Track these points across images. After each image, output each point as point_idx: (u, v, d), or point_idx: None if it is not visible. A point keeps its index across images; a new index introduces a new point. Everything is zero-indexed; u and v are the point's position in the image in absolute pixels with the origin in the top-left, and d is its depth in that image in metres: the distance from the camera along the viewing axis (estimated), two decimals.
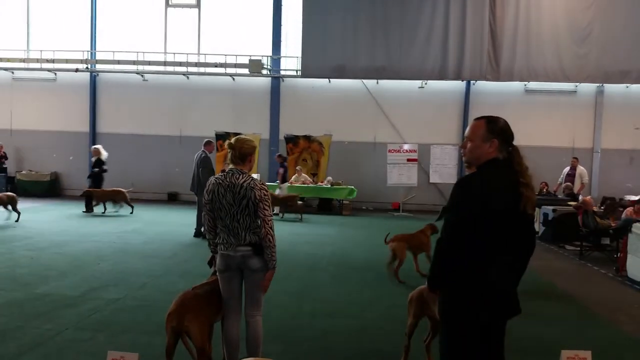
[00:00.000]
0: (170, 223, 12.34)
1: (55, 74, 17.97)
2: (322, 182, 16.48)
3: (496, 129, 2.76)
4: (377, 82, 17.03)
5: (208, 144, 10.58)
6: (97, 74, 18.01)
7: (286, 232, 11.16)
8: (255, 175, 3.86)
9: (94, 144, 17.98)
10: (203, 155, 10.32)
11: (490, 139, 2.74)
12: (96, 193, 13.40)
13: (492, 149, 2.74)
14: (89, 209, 13.52)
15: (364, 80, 17.02)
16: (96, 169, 13.96)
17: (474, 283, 2.66)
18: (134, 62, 17.31)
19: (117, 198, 13.52)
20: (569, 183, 13.64)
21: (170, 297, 3.73)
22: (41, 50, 17.57)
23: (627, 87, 16.29)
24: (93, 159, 14.21)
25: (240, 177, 3.70)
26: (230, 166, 3.81)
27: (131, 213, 13.35)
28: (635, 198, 11.33)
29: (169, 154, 17.76)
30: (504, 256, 2.69)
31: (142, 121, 17.87)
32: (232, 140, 3.85)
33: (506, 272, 2.70)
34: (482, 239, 2.63)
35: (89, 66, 17.70)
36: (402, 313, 4.38)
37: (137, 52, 17.25)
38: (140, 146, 17.86)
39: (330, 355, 4.60)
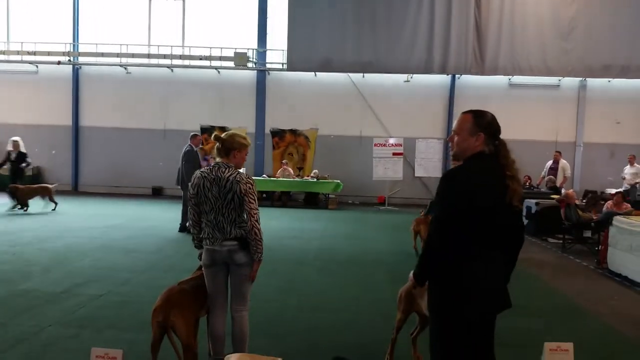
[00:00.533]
0: (155, 218, 12.25)
1: (37, 66, 17.68)
2: (308, 176, 16.49)
3: (483, 123, 2.78)
4: (363, 76, 17.04)
5: (194, 137, 10.45)
6: (80, 67, 17.76)
7: (272, 226, 11.14)
8: (241, 170, 3.83)
9: (77, 138, 17.84)
10: (188, 149, 10.21)
11: (476, 132, 2.76)
12: (21, 189, 12.56)
13: (478, 142, 2.75)
14: (17, 206, 12.43)
15: (350, 74, 17.01)
16: (23, 164, 13.33)
17: (460, 278, 2.67)
18: (117, 55, 17.10)
19: (43, 194, 12.88)
20: (551, 176, 13.80)
21: (154, 292, 3.71)
22: (22, 42, 17.27)
23: (609, 81, 16.50)
24: (13, 154, 13.26)
25: (227, 170, 3.69)
26: (217, 159, 3.80)
27: (53, 210, 12.69)
28: (615, 191, 11.50)
29: (153, 148, 17.60)
30: (491, 251, 2.70)
31: (126, 115, 17.68)
32: (224, 134, 3.84)
33: (493, 267, 2.72)
34: (467, 234, 2.64)
35: (72, 59, 17.44)
36: (388, 306, 4.41)
37: (121, 45, 17.04)
38: (124, 140, 17.69)
39: (316, 350, 4.61)
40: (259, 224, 3.68)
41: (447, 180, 2.74)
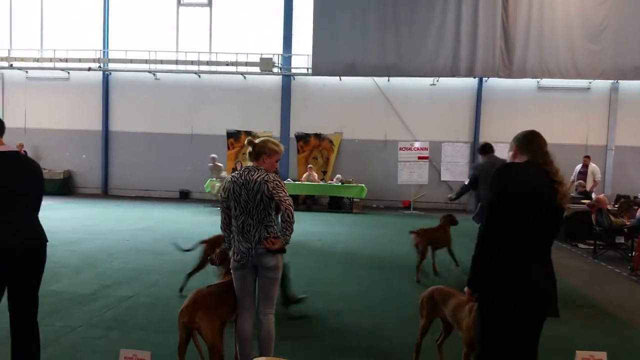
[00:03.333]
0: (183, 221, 12.40)
1: (69, 73, 18.13)
2: (331, 180, 16.48)
3: (515, 137, 3.01)
4: (388, 80, 16.96)
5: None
6: (110, 73, 18.15)
7: (296, 229, 11.11)
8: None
9: (107, 143, 18.22)
10: None
11: (511, 146, 3.02)
12: None
13: (511, 152, 2.99)
14: None
15: (375, 78, 16.95)
16: None
17: (521, 276, 2.71)
18: (146, 61, 17.40)
19: None
20: (581, 181, 13.49)
21: (183, 295, 3.75)
22: (54, 50, 17.74)
23: None
24: None
25: (256, 173, 3.72)
26: (248, 163, 3.85)
27: None
28: None
29: (181, 152, 17.86)
30: (544, 250, 2.82)
31: (154, 120, 17.99)
32: (258, 139, 3.90)
33: (548, 268, 2.84)
34: (522, 230, 2.71)
35: (102, 65, 17.85)
36: (413, 311, 4.36)
37: (149, 51, 17.35)
38: (152, 144, 17.99)
39: (341, 354, 4.59)
40: (292, 209, 3.66)
41: (505, 172, 2.85)
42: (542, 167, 2.84)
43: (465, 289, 2.93)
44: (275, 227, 3.76)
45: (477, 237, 2.80)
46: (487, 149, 7.30)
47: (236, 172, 3.86)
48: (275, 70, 17.19)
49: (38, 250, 3.47)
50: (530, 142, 2.92)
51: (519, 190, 2.73)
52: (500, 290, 2.75)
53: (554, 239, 2.94)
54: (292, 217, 3.66)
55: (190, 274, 6.10)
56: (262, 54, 16.82)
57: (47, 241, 3.58)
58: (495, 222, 2.73)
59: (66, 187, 17.92)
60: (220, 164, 15.69)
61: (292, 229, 3.70)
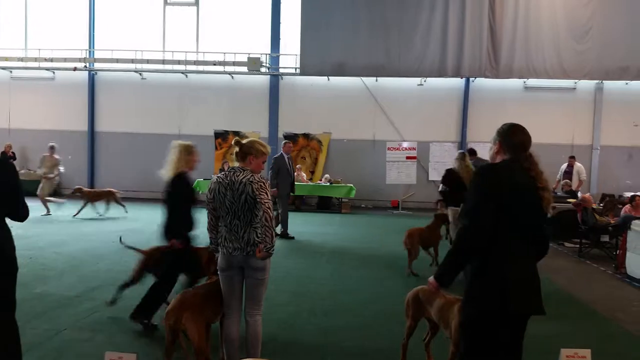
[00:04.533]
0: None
1: (54, 72, 17.93)
2: (320, 180, 16.48)
3: (499, 131, 2.94)
4: (376, 80, 17.00)
5: (284, 144, 10.90)
6: (96, 73, 17.98)
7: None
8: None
9: (93, 143, 18.05)
10: (277, 155, 10.67)
11: (495, 140, 2.95)
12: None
13: (495, 148, 2.93)
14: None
15: (363, 78, 16.98)
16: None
17: (505, 275, 2.71)
18: (132, 61, 17.26)
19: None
20: (567, 180, 13.63)
21: (170, 296, 3.72)
22: (39, 49, 17.52)
23: (627, 83, 16.25)
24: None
25: (241, 174, 3.72)
26: (234, 164, 3.84)
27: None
28: (631, 195, 11.30)
29: (168, 152, 17.69)
30: (528, 250, 2.81)
31: (141, 120, 17.85)
32: (245, 140, 3.89)
33: (532, 266, 2.83)
34: (504, 230, 2.71)
35: (88, 65, 17.67)
36: (401, 311, 4.36)
37: (136, 51, 17.21)
38: (139, 145, 17.84)
39: (329, 354, 4.59)
40: (272, 211, 3.65)
41: (475, 176, 2.85)
42: (525, 170, 2.81)
43: (431, 279, 2.92)
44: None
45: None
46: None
47: (222, 172, 3.85)
48: (263, 70, 17.15)
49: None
50: (512, 137, 2.87)
51: (500, 191, 2.71)
52: (485, 289, 2.75)
53: (538, 239, 2.91)
54: (270, 220, 3.63)
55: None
56: (249, 54, 16.76)
57: (13, 249, 3.44)
58: (476, 223, 2.71)
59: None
60: (58, 157, 13.50)
61: (271, 234, 3.66)
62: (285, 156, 10.53)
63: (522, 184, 2.76)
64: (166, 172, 5.10)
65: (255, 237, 3.68)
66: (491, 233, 2.67)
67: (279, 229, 10.50)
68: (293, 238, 10.57)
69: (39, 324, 5.06)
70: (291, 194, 11.03)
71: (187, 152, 5.12)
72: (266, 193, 3.68)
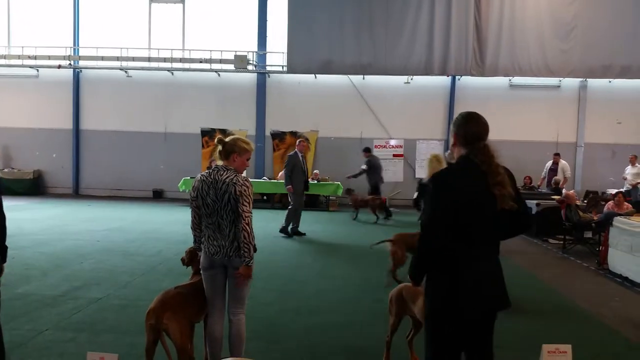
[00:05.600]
0: (155, 221, 12.25)
1: (38, 70, 17.72)
2: (309, 178, 16.45)
3: (455, 122, 2.87)
4: (364, 78, 17.03)
5: (299, 143, 11.04)
6: (81, 71, 17.79)
7: (272, 228, 11.14)
8: (243, 174, 3.83)
9: (78, 141, 17.88)
10: (292, 153, 10.85)
11: (452, 132, 2.87)
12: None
13: (453, 141, 2.86)
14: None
15: (350, 76, 16.99)
16: None
17: (457, 278, 2.67)
18: (117, 58, 17.11)
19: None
20: (556, 177, 13.80)
21: (154, 296, 3.70)
22: (23, 47, 17.31)
23: (610, 81, 16.44)
24: None
25: (225, 173, 3.69)
26: (219, 162, 3.81)
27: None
28: (615, 191, 11.47)
29: (154, 151, 17.63)
30: (486, 249, 2.72)
31: (126, 118, 17.71)
32: (228, 138, 3.86)
33: (488, 265, 2.73)
34: (458, 233, 2.65)
35: (72, 62, 17.47)
36: (385, 309, 4.39)
37: (121, 48, 17.05)
38: (125, 143, 17.70)
39: (313, 352, 4.60)
40: (250, 227, 3.64)
41: (431, 182, 2.79)
42: (478, 167, 2.69)
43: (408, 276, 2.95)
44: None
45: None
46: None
47: (206, 171, 3.82)
48: (250, 67, 17.09)
49: None
50: (466, 127, 2.78)
51: (450, 197, 2.65)
52: (436, 288, 2.74)
53: (501, 240, 2.84)
54: (249, 237, 3.60)
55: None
56: (236, 52, 16.69)
57: None
58: (429, 229, 2.68)
59: (36, 187, 17.53)
60: None
61: (250, 250, 3.62)
62: (299, 154, 10.74)
63: (472, 185, 2.67)
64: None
65: (241, 237, 3.67)
66: (444, 237, 2.63)
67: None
68: (304, 234, 10.81)
69: (20, 324, 5.00)
70: (305, 192, 11.21)
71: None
72: (248, 203, 3.65)
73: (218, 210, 3.66)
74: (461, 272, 2.67)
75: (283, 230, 10.73)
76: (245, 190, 3.64)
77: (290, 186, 10.56)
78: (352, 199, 13.72)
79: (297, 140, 11.36)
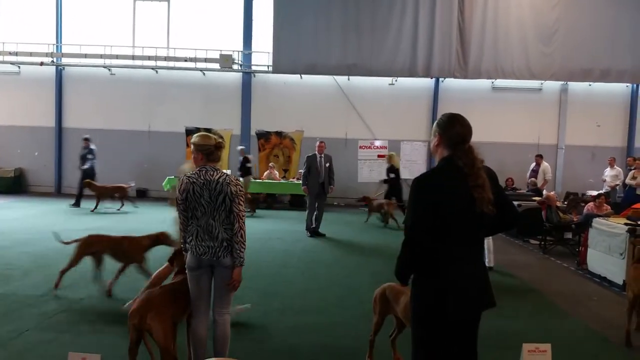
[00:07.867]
0: (140, 220, 12.16)
1: (19, 67, 17.44)
2: (293, 178, 16.48)
3: (437, 122, 2.88)
4: (349, 79, 17.09)
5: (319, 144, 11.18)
6: (63, 68, 17.56)
7: (257, 228, 11.13)
8: (227, 171, 3.87)
9: (60, 140, 17.65)
10: (310, 154, 11.05)
11: (435, 132, 2.86)
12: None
13: (435, 141, 2.85)
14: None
15: (336, 77, 17.04)
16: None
17: (440, 280, 2.70)
18: (101, 56, 16.93)
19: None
20: (533, 179, 14.00)
21: (137, 296, 3.70)
22: (3, 43, 17.03)
23: (590, 85, 16.74)
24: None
25: (215, 173, 3.71)
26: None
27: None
28: (596, 193, 11.68)
29: (138, 150, 17.47)
30: (469, 250, 2.75)
31: (110, 116, 17.52)
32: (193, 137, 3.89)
33: (472, 267, 2.76)
34: (440, 236, 2.68)
35: (55, 60, 17.23)
36: (370, 309, 4.43)
37: (105, 46, 16.87)
38: (108, 141, 17.46)
39: (298, 352, 4.63)
40: (245, 227, 3.72)
41: (412, 184, 2.78)
42: (461, 169, 2.71)
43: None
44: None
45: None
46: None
47: (193, 172, 3.79)
48: (236, 67, 17.04)
49: None
50: (451, 129, 2.79)
51: (435, 200, 2.67)
52: (422, 290, 2.77)
53: (481, 240, 2.88)
54: (245, 236, 3.72)
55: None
56: (221, 51, 16.63)
57: None
58: (411, 233, 2.71)
59: (17, 186, 17.27)
60: None
61: (244, 249, 3.74)
62: (318, 156, 10.91)
63: (454, 187, 2.70)
64: None
65: (229, 236, 3.69)
66: (426, 240, 2.67)
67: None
68: (324, 235, 10.90)
69: (1, 325, 4.95)
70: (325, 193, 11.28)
71: None
72: (243, 202, 3.75)
73: (212, 212, 3.67)
74: (445, 274, 2.70)
75: (307, 228, 11.01)
76: (239, 190, 3.70)
77: (305, 187, 10.85)
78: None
79: (317, 142, 11.35)
